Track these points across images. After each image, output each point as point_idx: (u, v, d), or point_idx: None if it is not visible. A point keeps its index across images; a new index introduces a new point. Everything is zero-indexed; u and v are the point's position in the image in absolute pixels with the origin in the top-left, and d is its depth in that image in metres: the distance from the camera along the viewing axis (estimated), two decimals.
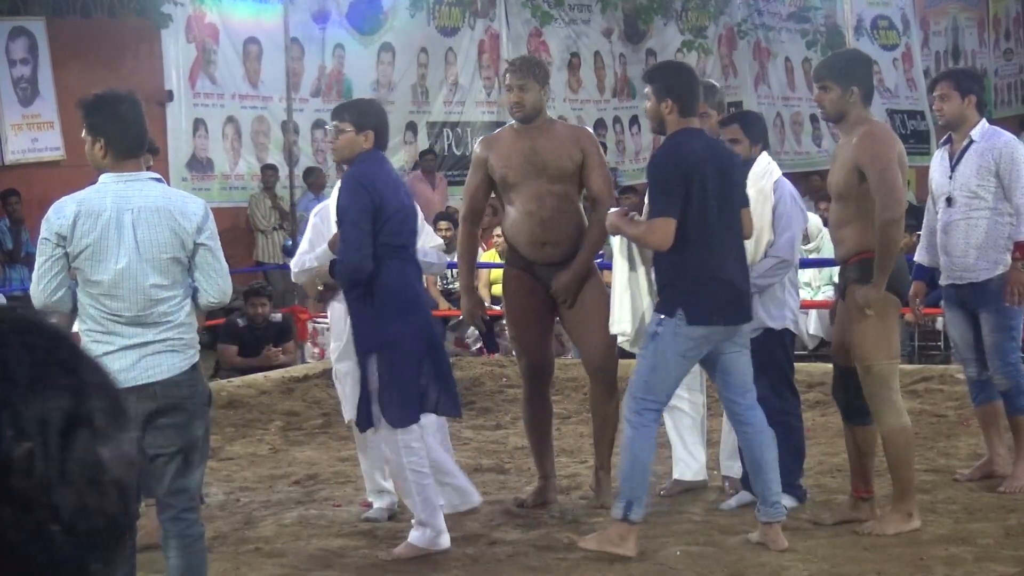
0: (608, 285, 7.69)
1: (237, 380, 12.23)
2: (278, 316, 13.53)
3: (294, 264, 7.85)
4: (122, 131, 5.43)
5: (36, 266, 5.47)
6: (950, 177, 7.88)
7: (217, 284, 5.55)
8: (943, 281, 8.09)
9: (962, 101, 7.83)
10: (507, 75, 7.81)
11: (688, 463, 8.08)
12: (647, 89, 6.95)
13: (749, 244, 7.38)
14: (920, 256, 8.22)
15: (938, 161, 8.06)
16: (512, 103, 7.72)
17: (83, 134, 5.52)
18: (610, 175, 8.07)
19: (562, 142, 7.70)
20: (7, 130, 15.14)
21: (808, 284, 14.05)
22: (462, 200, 8.22)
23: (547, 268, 7.77)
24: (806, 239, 12.47)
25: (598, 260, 8.32)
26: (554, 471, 8.06)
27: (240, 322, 13.16)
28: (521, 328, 7.95)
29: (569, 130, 7.97)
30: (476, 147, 8.02)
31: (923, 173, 25.68)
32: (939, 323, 14.68)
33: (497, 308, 14.13)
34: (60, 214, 5.39)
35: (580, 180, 7.77)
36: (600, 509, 7.65)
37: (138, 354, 5.36)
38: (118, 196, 5.38)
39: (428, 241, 7.74)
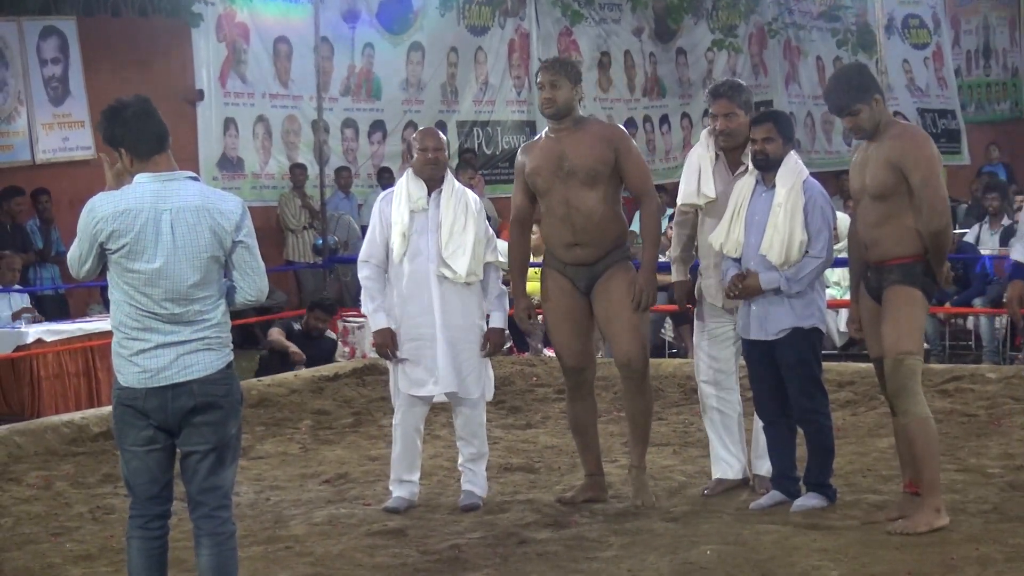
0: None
1: (267, 379, 12.25)
2: (332, 335, 13.64)
3: (363, 277, 7.97)
4: (134, 134, 5.44)
5: (74, 245, 5.47)
6: None
7: (254, 282, 5.55)
8: None
9: None
10: (539, 73, 7.84)
11: (729, 462, 8.04)
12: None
13: (783, 244, 7.38)
14: (1020, 254, 7.56)
15: None
16: (543, 99, 7.75)
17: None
18: (647, 167, 7.98)
19: (592, 144, 7.68)
20: (38, 129, 15.21)
21: (838, 283, 14.02)
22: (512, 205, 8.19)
23: (577, 268, 7.79)
24: (835, 238, 12.42)
25: None
26: (601, 469, 8.05)
27: (296, 325, 13.40)
28: (557, 328, 7.94)
29: (600, 129, 7.87)
30: (517, 154, 8.05)
31: (953, 172, 25.56)
32: (970, 322, 14.63)
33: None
34: (93, 212, 5.40)
35: (618, 179, 7.78)
36: (639, 508, 7.65)
37: (175, 352, 5.38)
38: (156, 196, 5.39)
39: (492, 255, 7.95)
